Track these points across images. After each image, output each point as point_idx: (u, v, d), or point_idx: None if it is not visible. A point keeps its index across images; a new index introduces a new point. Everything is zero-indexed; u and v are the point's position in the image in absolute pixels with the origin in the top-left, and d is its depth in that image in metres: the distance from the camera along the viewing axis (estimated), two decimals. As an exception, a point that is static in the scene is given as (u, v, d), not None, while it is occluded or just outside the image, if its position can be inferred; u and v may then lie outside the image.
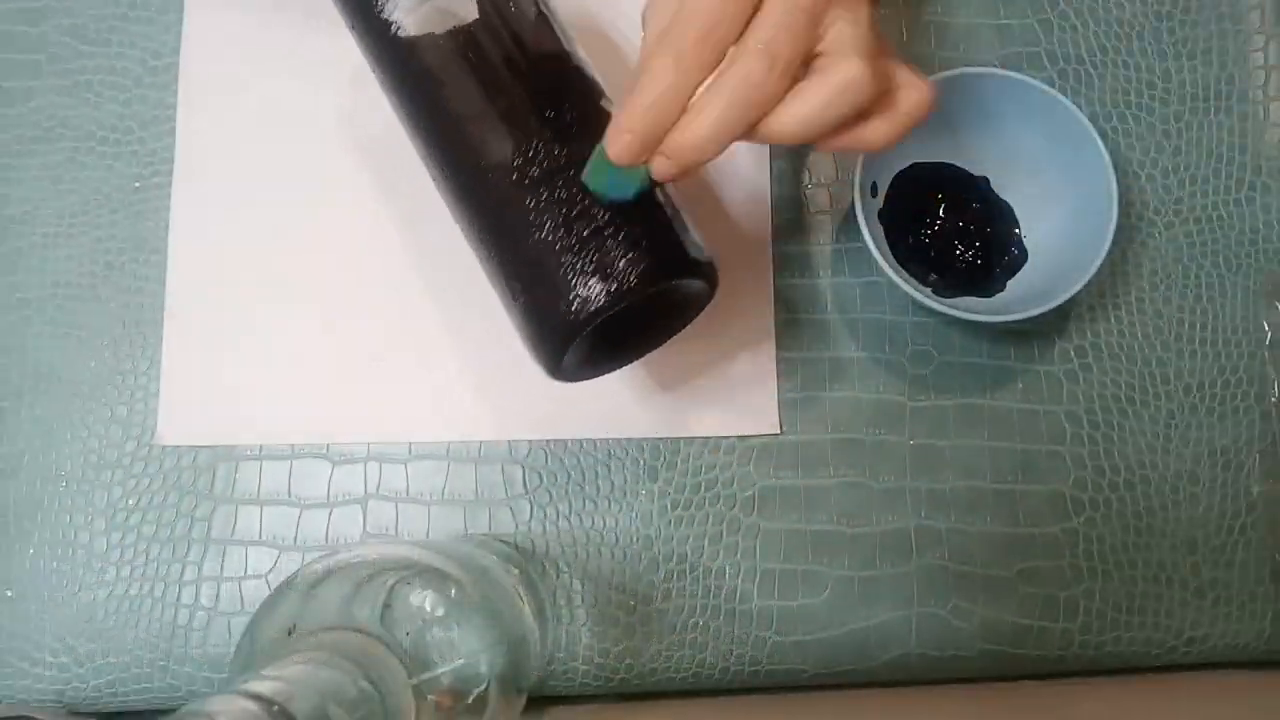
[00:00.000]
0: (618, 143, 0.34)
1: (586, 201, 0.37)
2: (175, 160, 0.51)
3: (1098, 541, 0.49)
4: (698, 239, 0.40)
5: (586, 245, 0.37)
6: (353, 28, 0.43)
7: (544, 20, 0.42)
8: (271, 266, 0.50)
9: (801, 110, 0.34)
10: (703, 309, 0.43)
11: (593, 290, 0.37)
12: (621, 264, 0.37)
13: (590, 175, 0.37)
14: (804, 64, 0.34)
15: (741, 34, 0.33)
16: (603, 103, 0.41)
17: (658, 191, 0.40)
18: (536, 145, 0.38)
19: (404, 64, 0.41)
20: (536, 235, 0.38)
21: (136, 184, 0.51)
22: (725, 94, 0.33)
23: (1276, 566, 0.49)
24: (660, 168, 0.35)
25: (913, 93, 0.36)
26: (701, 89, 0.33)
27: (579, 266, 0.37)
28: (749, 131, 0.34)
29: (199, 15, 0.52)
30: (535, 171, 0.38)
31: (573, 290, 0.37)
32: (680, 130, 0.34)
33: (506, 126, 0.39)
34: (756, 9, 0.33)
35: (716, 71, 0.33)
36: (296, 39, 0.52)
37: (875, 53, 0.34)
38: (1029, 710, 0.47)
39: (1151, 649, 0.49)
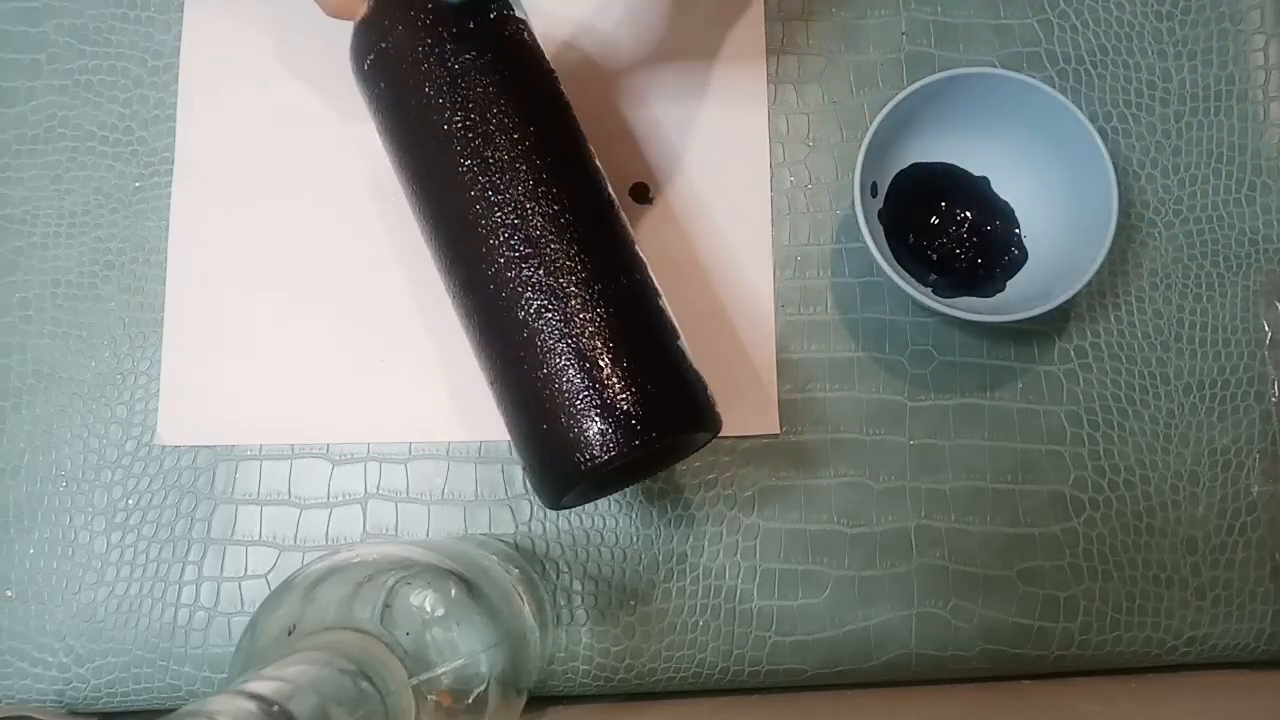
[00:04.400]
0: None
1: (596, 341, 0.37)
2: (175, 160, 0.51)
3: (1098, 541, 0.49)
4: (704, 384, 0.40)
5: (595, 393, 0.37)
6: (387, 118, 0.42)
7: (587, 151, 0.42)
8: (272, 266, 0.50)
9: None
10: (703, 447, 0.43)
11: (598, 444, 0.37)
12: (632, 417, 0.37)
13: None
14: None
15: None
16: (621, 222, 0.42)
17: (666, 330, 0.40)
18: (558, 272, 0.38)
19: (432, 161, 0.40)
20: (544, 372, 0.38)
21: (136, 184, 0.51)
22: None
23: (1276, 566, 0.49)
24: None
25: None
26: None
27: (587, 416, 0.37)
28: None
29: (199, 15, 0.52)
30: (552, 295, 0.38)
31: (579, 440, 0.37)
32: None
33: (536, 246, 0.38)
34: None
35: None
36: (296, 39, 0.52)
37: None
38: (1029, 710, 0.47)
39: (1151, 649, 0.49)
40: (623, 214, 0.42)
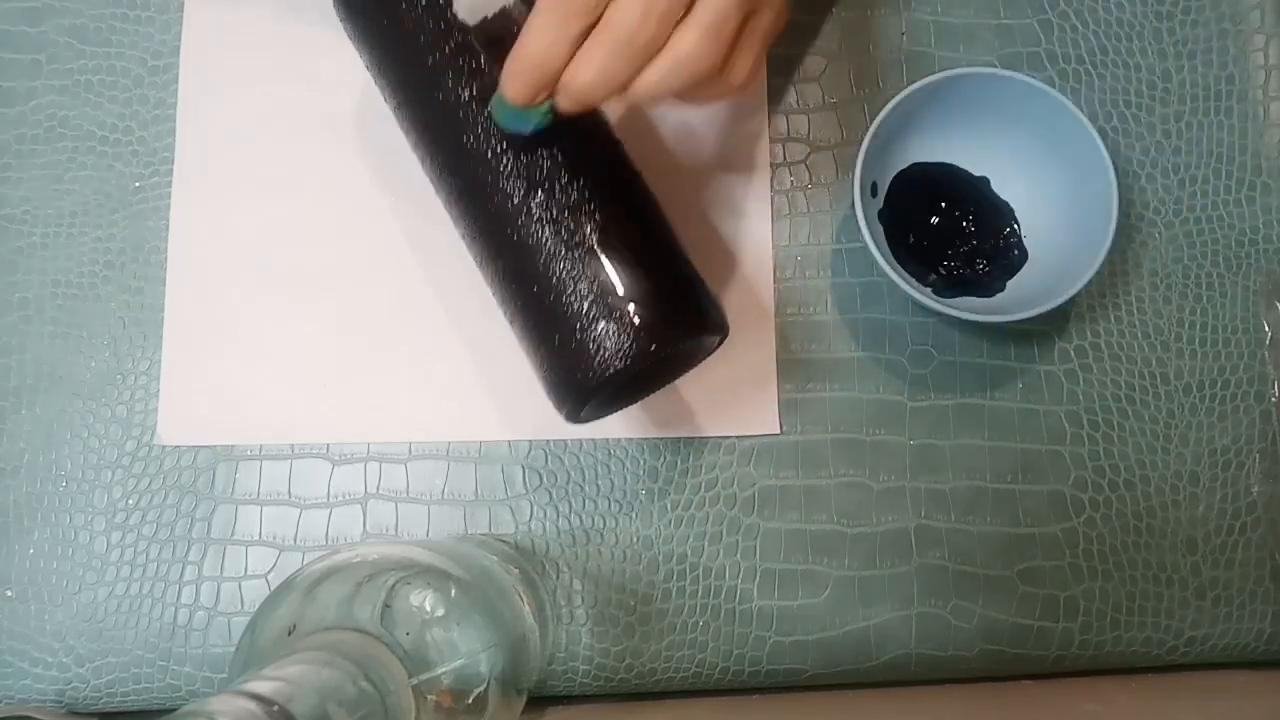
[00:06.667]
0: (511, 86, 0.36)
1: (608, 256, 0.39)
2: (175, 160, 0.51)
3: (1098, 541, 0.49)
4: (709, 289, 0.41)
5: (607, 302, 0.38)
6: (375, 48, 0.43)
7: None
8: (271, 266, 0.50)
9: (650, 77, 0.35)
10: (712, 353, 0.44)
11: (612, 349, 0.38)
12: (640, 322, 0.38)
13: (495, 109, 0.38)
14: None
15: None
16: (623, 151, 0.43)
17: (668, 237, 0.41)
18: (561, 194, 0.39)
19: (433, 98, 0.41)
20: (557, 287, 0.39)
21: (136, 184, 0.51)
22: (604, 42, 0.35)
23: (1276, 566, 0.49)
24: (561, 105, 0.36)
25: (740, 66, 0.37)
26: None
27: (600, 324, 0.38)
28: (631, 81, 0.36)
29: (199, 15, 0.52)
30: (558, 219, 0.39)
31: (594, 348, 0.38)
32: (569, 75, 0.35)
33: (536, 171, 0.39)
34: None
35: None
36: (296, 38, 0.52)
37: (749, 8, 0.36)
38: (1029, 710, 0.47)
39: (1151, 649, 0.49)
40: (614, 132, 0.43)
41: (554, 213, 0.39)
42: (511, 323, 0.42)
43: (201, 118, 0.51)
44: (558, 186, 0.39)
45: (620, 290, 0.38)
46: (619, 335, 0.38)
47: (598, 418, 0.44)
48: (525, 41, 0.35)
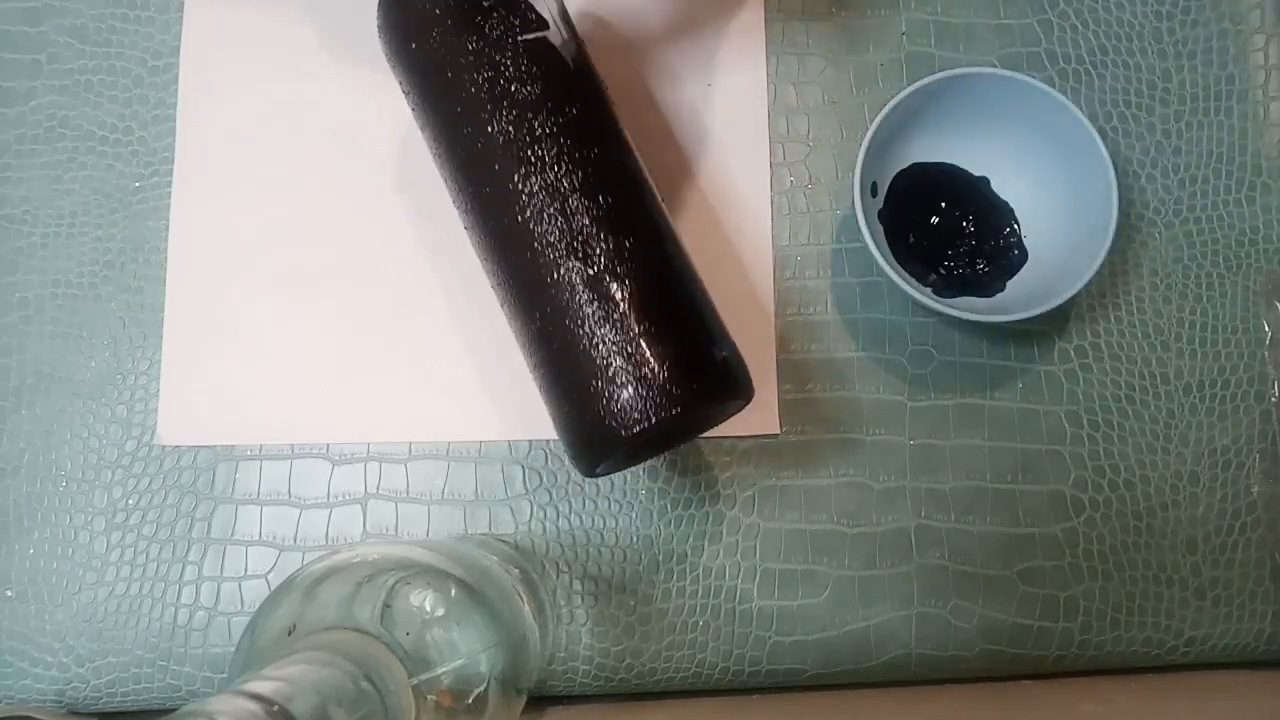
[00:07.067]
0: None
1: (640, 320, 0.39)
2: (175, 160, 0.51)
3: (1098, 541, 0.49)
4: (738, 354, 0.41)
5: (637, 365, 0.38)
6: (420, 82, 0.42)
7: (615, 122, 0.43)
8: (271, 266, 0.50)
9: None
10: (734, 414, 0.44)
11: (638, 413, 0.38)
12: (665, 385, 0.38)
13: None
14: None
15: None
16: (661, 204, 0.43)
17: (699, 298, 0.41)
18: (599, 254, 0.39)
19: (478, 140, 0.41)
20: (587, 345, 0.39)
21: (136, 184, 0.51)
22: None
23: (1276, 566, 0.49)
24: None
25: None
26: None
27: (628, 388, 0.38)
28: None
29: (199, 15, 0.52)
30: (589, 274, 0.39)
31: (619, 409, 0.38)
32: None
33: (575, 226, 0.40)
34: None
35: None
36: (296, 38, 0.52)
37: None
38: (1029, 710, 0.47)
39: (1151, 649, 0.49)
40: (652, 184, 0.43)
41: (590, 273, 0.39)
42: (534, 369, 0.42)
43: (201, 118, 0.51)
44: (596, 247, 0.39)
45: (650, 355, 0.38)
46: (645, 399, 0.38)
47: (610, 474, 0.44)
48: None
